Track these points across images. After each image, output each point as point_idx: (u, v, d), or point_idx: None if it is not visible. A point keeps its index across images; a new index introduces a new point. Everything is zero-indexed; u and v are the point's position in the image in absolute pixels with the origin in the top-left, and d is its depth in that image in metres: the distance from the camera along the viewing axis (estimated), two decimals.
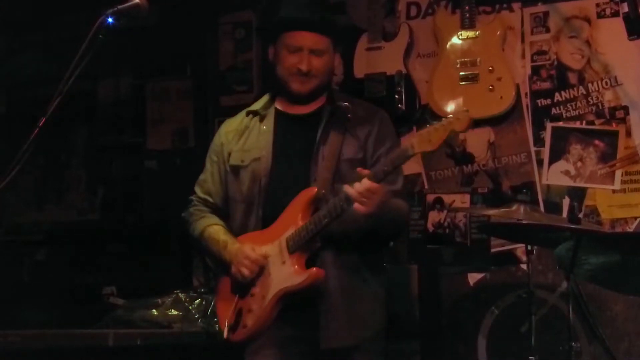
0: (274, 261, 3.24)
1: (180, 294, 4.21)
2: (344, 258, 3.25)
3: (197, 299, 4.18)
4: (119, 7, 2.73)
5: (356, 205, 3.03)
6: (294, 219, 3.21)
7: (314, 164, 3.27)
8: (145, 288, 4.51)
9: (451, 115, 2.97)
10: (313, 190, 3.20)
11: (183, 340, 3.99)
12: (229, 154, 3.45)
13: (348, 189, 3.04)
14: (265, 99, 3.50)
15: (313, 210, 3.20)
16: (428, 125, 2.97)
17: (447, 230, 4.78)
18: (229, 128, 3.52)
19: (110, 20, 2.70)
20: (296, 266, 3.18)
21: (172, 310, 4.13)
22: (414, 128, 4.84)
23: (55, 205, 5.84)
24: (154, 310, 4.14)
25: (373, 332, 3.32)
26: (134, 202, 5.63)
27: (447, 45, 4.72)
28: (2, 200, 5.66)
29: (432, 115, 4.79)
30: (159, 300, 4.17)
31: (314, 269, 3.16)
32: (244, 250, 3.28)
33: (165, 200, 5.45)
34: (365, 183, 3.02)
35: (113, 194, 5.73)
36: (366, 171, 3.06)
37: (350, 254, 3.26)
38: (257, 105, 3.50)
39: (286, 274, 3.20)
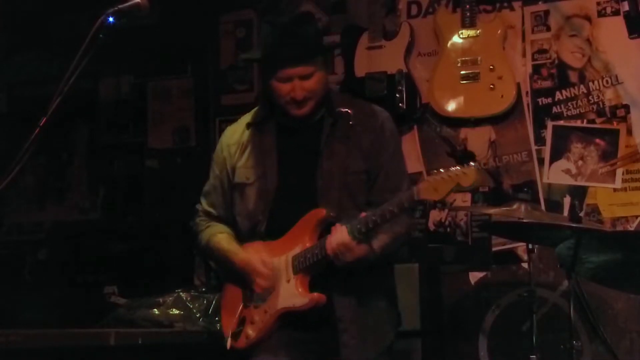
0: (280, 277, 3.24)
1: (181, 293, 4.20)
2: (352, 280, 3.21)
3: (199, 298, 4.17)
4: (120, 6, 2.73)
5: (328, 252, 3.07)
6: (301, 238, 3.21)
7: (319, 180, 3.25)
8: (147, 287, 4.51)
9: (459, 168, 2.94)
10: (322, 212, 3.19)
11: (184, 340, 3.98)
12: (233, 170, 3.43)
13: (327, 241, 3.07)
14: (264, 109, 3.46)
15: (321, 231, 3.19)
16: (435, 172, 2.96)
17: (448, 229, 4.78)
18: (231, 141, 3.47)
19: (110, 19, 2.70)
20: (300, 288, 3.19)
21: (174, 310, 4.13)
22: (415, 127, 4.86)
23: (56, 204, 5.84)
24: (155, 310, 4.13)
25: (390, 340, 3.34)
26: (135, 201, 5.63)
27: (448, 44, 4.73)
28: (4, 200, 5.66)
29: (433, 114, 4.80)
30: (161, 300, 4.16)
31: (316, 294, 3.17)
32: (254, 266, 3.27)
33: (166, 199, 5.45)
34: (340, 238, 3.03)
35: (114, 193, 5.73)
36: (364, 216, 3.05)
37: (359, 275, 3.22)
38: (257, 117, 3.46)
39: (289, 293, 3.21)
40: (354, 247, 3.05)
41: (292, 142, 3.37)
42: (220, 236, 3.43)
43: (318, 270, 3.19)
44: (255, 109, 3.51)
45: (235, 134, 3.49)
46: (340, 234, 3.05)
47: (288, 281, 3.22)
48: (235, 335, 3.33)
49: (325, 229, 3.19)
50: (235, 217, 3.43)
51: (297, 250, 3.21)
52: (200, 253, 3.56)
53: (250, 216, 3.36)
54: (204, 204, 3.54)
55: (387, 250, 3.24)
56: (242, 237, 3.40)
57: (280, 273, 3.24)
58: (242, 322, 3.33)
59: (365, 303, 3.25)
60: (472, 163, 2.98)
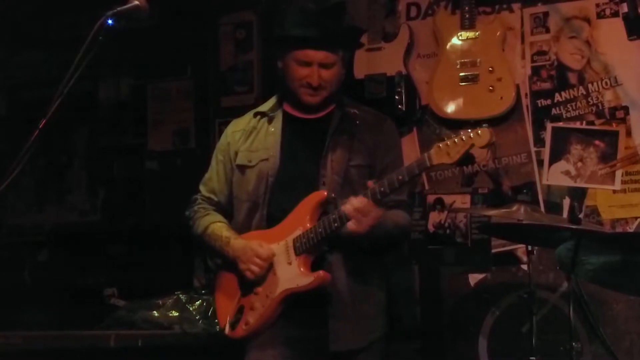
0: (280, 261, 3.25)
1: (181, 295, 4.21)
2: (351, 261, 3.25)
3: (198, 300, 4.18)
4: (119, 8, 2.73)
5: (349, 223, 3.07)
6: (301, 220, 3.22)
7: (322, 168, 3.27)
8: (146, 289, 4.52)
9: (470, 130, 2.94)
10: (323, 193, 3.21)
11: (184, 341, 3.99)
12: (236, 154, 3.45)
13: (346, 205, 3.07)
14: (273, 100, 3.50)
15: (321, 213, 3.21)
16: (446, 139, 2.96)
17: (448, 231, 4.78)
18: (236, 128, 3.52)
19: (110, 21, 2.70)
20: (302, 268, 3.20)
21: (173, 312, 4.14)
22: (414, 129, 4.86)
23: (56, 206, 5.84)
24: (154, 312, 4.14)
25: (378, 334, 3.34)
26: (135, 203, 5.63)
27: (447, 46, 4.73)
28: (3, 202, 5.67)
29: (432, 115, 4.80)
30: (160, 302, 4.18)
31: (321, 272, 3.18)
32: (253, 247, 3.28)
33: (166, 201, 5.45)
34: (361, 201, 3.03)
35: (114, 195, 5.73)
36: (372, 185, 3.06)
37: (357, 257, 3.26)
38: (264, 107, 3.50)
39: (292, 275, 3.21)
40: (373, 208, 3.05)
41: (298, 131, 3.41)
42: (219, 224, 3.45)
43: (319, 251, 3.21)
44: (269, 100, 3.54)
45: (240, 123, 3.54)
46: (357, 200, 3.05)
47: (290, 263, 3.22)
48: (233, 324, 3.33)
49: (324, 211, 3.21)
50: (234, 201, 3.44)
51: (297, 232, 3.22)
52: (196, 241, 3.56)
53: (249, 199, 3.37)
54: (203, 191, 3.56)
55: (397, 227, 3.28)
56: (240, 224, 3.41)
57: (280, 257, 3.25)
58: (240, 310, 3.33)
59: (358, 290, 3.27)
60: (484, 124, 2.96)
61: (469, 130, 2.95)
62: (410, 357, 4.41)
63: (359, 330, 3.26)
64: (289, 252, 3.23)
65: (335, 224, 3.12)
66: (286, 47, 3.34)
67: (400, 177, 3.03)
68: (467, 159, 4.69)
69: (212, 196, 3.52)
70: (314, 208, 3.22)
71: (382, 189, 3.04)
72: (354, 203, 3.05)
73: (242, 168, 3.42)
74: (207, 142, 5.37)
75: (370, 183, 3.07)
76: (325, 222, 3.15)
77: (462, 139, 2.94)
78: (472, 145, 2.94)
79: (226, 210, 3.50)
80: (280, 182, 3.33)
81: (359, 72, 4.88)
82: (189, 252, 5.07)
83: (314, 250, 3.21)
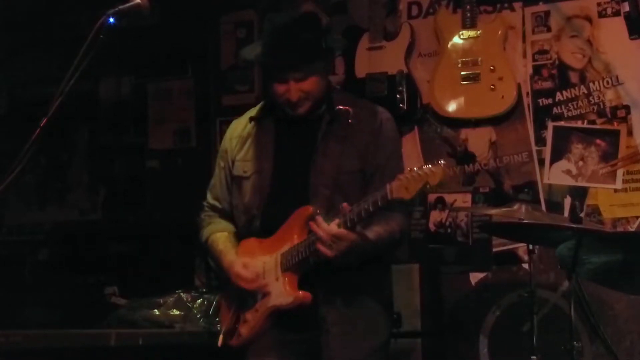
0: (270, 275, 3.24)
1: (182, 294, 4.21)
2: (342, 276, 3.20)
3: (199, 298, 4.18)
4: (121, 7, 2.73)
5: (319, 245, 3.04)
6: (290, 236, 3.20)
7: (312, 178, 3.24)
8: (147, 288, 4.52)
9: (428, 166, 2.93)
10: (309, 209, 3.17)
11: (185, 340, 3.99)
12: (233, 163, 3.43)
13: (317, 229, 3.03)
14: (263, 105, 3.47)
15: (309, 228, 3.19)
16: (408, 170, 2.95)
17: (449, 230, 4.78)
18: (234, 133, 3.48)
19: (111, 20, 2.70)
20: (287, 286, 3.19)
21: (174, 310, 4.13)
22: (416, 128, 4.86)
23: (57, 205, 5.84)
24: (156, 310, 4.14)
25: (379, 342, 3.31)
26: (135, 201, 5.63)
27: (449, 45, 4.73)
28: (4, 201, 5.66)
29: (433, 114, 4.80)
30: (161, 300, 4.17)
31: (301, 292, 3.16)
32: (236, 269, 3.26)
33: (167, 200, 5.45)
34: (332, 229, 3.01)
35: (115, 193, 5.73)
36: (347, 208, 3.02)
37: (349, 271, 3.21)
38: (258, 112, 3.47)
39: (278, 291, 3.21)
40: (344, 234, 3.02)
41: (289, 138, 3.36)
42: (218, 235, 3.44)
43: (306, 267, 3.18)
44: (260, 103, 3.52)
45: (238, 128, 3.50)
46: (331, 225, 3.02)
47: (277, 279, 3.22)
48: (230, 333, 3.35)
49: None
50: (234, 211, 3.43)
51: (285, 248, 3.20)
52: (202, 249, 3.56)
53: (246, 210, 3.36)
54: (209, 198, 3.54)
55: (382, 242, 3.20)
56: (240, 232, 3.41)
57: (270, 272, 3.24)
58: (236, 320, 3.35)
59: (352, 303, 3.23)
60: (441, 161, 2.95)
61: (425, 167, 2.93)
62: (411, 356, 4.41)
63: (355, 344, 3.22)
64: (277, 267, 3.22)
65: (314, 246, 3.10)
66: (264, 67, 3.33)
67: (366, 207, 3.00)
68: (468, 156, 4.72)
69: (217, 203, 3.51)
70: (301, 224, 3.19)
71: (352, 217, 3.01)
72: (327, 228, 3.03)
73: (239, 179, 3.40)
74: (208, 141, 5.37)
75: (345, 205, 3.04)
76: (307, 241, 3.13)
77: (419, 175, 2.92)
78: (427, 183, 2.93)
79: (231, 215, 3.49)
80: (274, 195, 3.30)
81: (360, 71, 4.88)
82: (190, 251, 5.07)
83: (297, 268, 3.18)
